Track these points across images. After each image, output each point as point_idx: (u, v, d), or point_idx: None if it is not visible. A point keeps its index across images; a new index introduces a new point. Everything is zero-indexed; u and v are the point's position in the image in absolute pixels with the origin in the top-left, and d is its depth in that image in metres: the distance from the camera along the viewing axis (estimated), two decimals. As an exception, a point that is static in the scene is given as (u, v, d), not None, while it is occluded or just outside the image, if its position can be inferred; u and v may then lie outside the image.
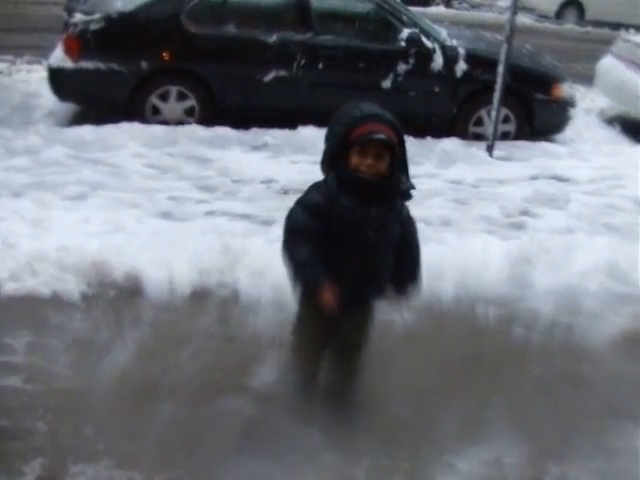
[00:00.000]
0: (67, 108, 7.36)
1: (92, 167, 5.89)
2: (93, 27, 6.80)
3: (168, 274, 4.31)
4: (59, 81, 6.99)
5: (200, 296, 4.28)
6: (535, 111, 7.50)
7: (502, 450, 3.33)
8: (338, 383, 3.35)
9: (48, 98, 7.31)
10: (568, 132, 7.99)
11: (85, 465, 3.03)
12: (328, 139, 3.02)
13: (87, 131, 6.57)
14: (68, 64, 6.81)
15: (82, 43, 6.82)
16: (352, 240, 2.97)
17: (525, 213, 5.89)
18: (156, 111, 7.00)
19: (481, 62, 7.31)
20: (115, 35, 6.91)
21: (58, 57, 6.90)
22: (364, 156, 2.90)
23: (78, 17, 6.89)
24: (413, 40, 7.16)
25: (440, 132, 6.86)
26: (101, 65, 6.81)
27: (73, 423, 3.24)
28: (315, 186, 3.04)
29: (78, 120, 7.05)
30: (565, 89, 7.70)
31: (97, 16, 6.86)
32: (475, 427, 3.42)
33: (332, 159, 3.00)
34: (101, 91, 6.92)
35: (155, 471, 3.04)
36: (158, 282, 4.27)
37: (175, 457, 3.12)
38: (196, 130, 6.81)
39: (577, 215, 5.90)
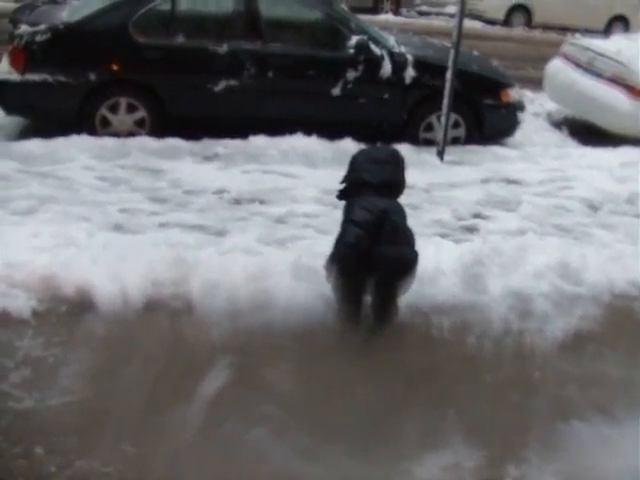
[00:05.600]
0: (14, 122, 7.22)
1: (41, 181, 5.79)
2: (39, 39, 6.69)
3: (120, 287, 4.24)
4: (5, 94, 6.86)
5: (153, 308, 4.23)
6: (484, 116, 7.56)
7: (461, 455, 3.34)
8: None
9: (-6, 112, 7.19)
10: (518, 136, 8.07)
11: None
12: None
13: (35, 145, 6.45)
14: (14, 77, 6.68)
15: (28, 55, 6.70)
16: None
17: (477, 216, 5.95)
18: (106, 123, 6.90)
19: (429, 68, 7.35)
20: (62, 46, 6.79)
21: (4, 70, 6.76)
22: None
23: (23, 29, 6.77)
24: (362, 47, 7.17)
25: (391, 138, 6.85)
26: (48, 77, 6.69)
27: (24, 444, 3.17)
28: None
29: (26, 134, 6.91)
30: (514, 93, 7.77)
31: (43, 27, 6.74)
32: (432, 434, 3.44)
33: None
34: (49, 104, 6.80)
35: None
36: (110, 296, 4.19)
37: (130, 470, 3.08)
38: (147, 141, 6.73)
39: (528, 217, 5.97)
